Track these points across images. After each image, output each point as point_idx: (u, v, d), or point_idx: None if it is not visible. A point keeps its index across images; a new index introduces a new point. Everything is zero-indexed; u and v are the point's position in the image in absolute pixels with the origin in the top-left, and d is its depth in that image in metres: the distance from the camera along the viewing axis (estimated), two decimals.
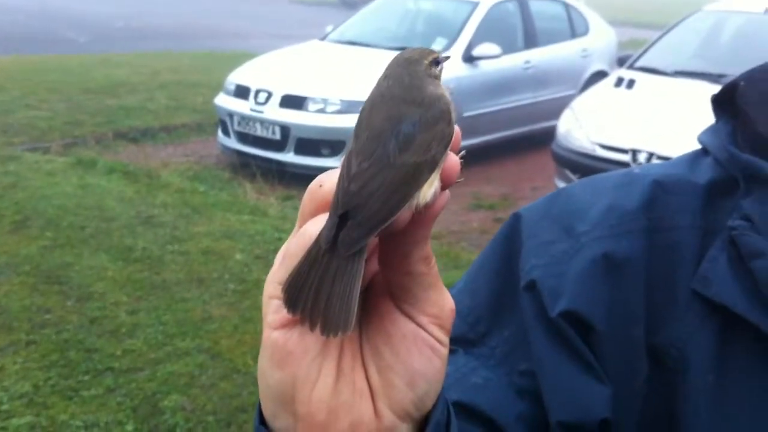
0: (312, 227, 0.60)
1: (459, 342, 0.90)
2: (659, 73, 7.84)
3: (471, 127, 9.03)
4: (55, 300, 5.11)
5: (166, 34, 20.04)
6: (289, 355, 0.61)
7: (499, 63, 9.31)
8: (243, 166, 8.67)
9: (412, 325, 0.63)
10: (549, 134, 8.16)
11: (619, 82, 7.87)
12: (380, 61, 8.57)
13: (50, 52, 15.44)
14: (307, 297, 0.58)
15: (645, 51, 8.34)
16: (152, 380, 4.25)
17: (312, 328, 0.58)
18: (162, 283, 5.45)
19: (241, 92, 8.70)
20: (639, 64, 8.13)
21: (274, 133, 8.32)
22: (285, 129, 8.25)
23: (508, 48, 9.53)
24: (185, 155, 9.37)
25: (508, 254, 0.91)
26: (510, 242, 0.92)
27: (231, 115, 8.69)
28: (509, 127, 9.60)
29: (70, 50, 16.31)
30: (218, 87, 9.50)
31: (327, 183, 0.61)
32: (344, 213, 0.58)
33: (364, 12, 10.72)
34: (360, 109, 0.63)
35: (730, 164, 0.87)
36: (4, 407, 3.96)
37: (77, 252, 5.88)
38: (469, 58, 9.04)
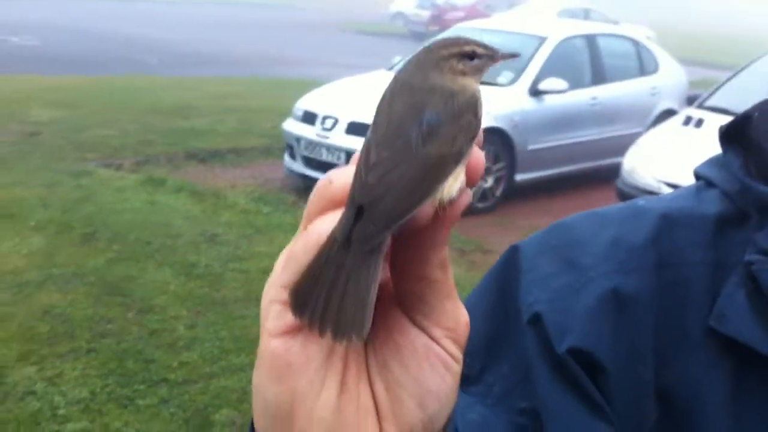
0: (320, 225, 0.55)
1: None
2: (728, 113, 7.70)
3: (535, 160, 9.04)
4: (117, 311, 5.24)
5: (234, 61, 20.50)
6: (288, 367, 0.56)
7: (566, 98, 9.28)
8: (307, 189, 8.74)
9: (425, 338, 0.59)
10: (614, 171, 8.09)
11: (688, 120, 7.77)
12: None
13: (122, 74, 15.90)
14: (318, 300, 0.53)
15: (715, 91, 8.23)
16: (205, 393, 4.32)
17: (321, 333, 0.53)
18: (221, 299, 5.54)
19: (309, 118, 8.83)
20: (708, 103, 8.02)
21: (339, 158, 8.42)
22: (350, 155, 8.28)
23: (575, 83, 9.49)
24: (252, 177, 9.52)
25: (506, 287, 0.87)
26: (507, 275, 0.87)
27: (298, 139, 8.83)
28: (574, 162, 9.54)
29: (142, 72, 16.76)
30: (285, 112, 9.66)
31: (337, 179, 0.56)
32: (361, 207, 0.53)
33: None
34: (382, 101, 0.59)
35: (742, 197, 0.84)
36: (61, 412, 4.07)
37: (142, 266, 6.02)
38: (535, 92, 9.04)
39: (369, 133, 0.57)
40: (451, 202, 0.55)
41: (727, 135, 0.89)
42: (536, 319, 0.81)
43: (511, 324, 0.84)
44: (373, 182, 0.54)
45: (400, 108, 0.57)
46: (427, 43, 0.62)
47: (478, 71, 0.60)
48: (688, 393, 0.78)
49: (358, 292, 0.53)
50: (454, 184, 0.55)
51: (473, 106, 0.58)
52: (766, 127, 0.86)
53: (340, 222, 0.53)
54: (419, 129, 0.55)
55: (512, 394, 0.82)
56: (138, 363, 4.59)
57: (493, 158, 8.63)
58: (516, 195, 8.95)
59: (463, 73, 0.59)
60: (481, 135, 0.58)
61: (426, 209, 0.54)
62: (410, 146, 0.55)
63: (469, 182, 0.57)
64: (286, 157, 9.17)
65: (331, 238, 0.53)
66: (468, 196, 0.56)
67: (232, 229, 7.05)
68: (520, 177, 8.98)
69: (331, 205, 0.55)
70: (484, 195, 8.58)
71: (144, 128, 11.06)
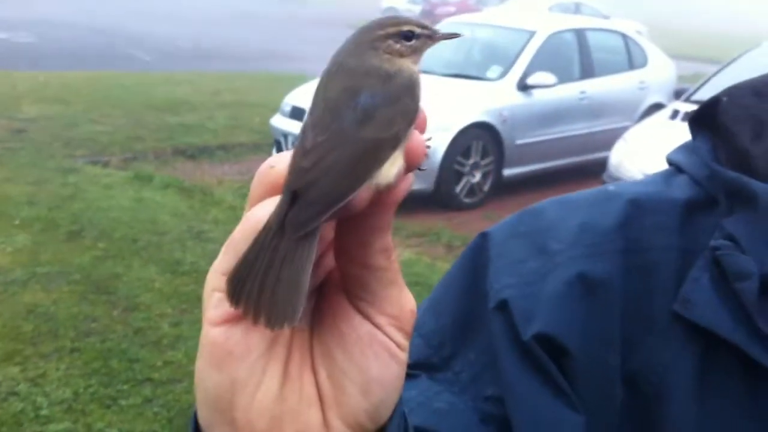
0: (259, 211, 0.55)
1: (423, 366, 0.85)
2: None
3: (523, 155, 9.03)
4: (102, 309, 5.23)
5: (230, 56, 20.46)
6: (228, 356, 0.55)
7: (554, 92, 9.28)
8: None
9: (369, 326, 0.58)
10: (602, 165, 8.10)
11: (675, 114, 7.78)
12: (435, 87, 8.66)
13: (116, 70, 15.88)
14: (252, 287, 0.53)
15: (702, 84, 8.24)
16: (189, 392, 4.31)
17: (255, 321, 0.53)
18: None
19: (297, 113, 8.82)
20: (696, 97, 8.02)
21: None
22: None
23: (564, 78, 9.49)
24: (240, 173, 9.51)
25: (475, 274, 0.86)
26: (477, 262, 0.87)
27: (285, 135, 8.82)
28: (562, 157, 9.55)
29: (136, 68, 16.75)
30: (276, 108, 9.65)
31: (279, 164, 0.55)
32: (296, 191, 0.53)
33: None
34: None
35: (710, 182, 0.84)
36: (44, 412, 4.05)
37: (127, 263, 6.01)
38: (523, 87, 9.04)
39: (305, 117, 0.57)
40: (389, 187, 0.54)
41: (696, 120, 0.89)
42: (503, 306, 0.81)
43: (479, 311, 0.84)
44: (308, 166, 0.53)
45: (336, 91, 0.56)
46: (364, 23, 0.60)
47: (416, 52, 0.59)
48: (655, 378, 0.78)
49: (291, 277, 0.52)
50: (391, 170, 0.54)
51: (411, 88, 0.57)
52: (734, 112, 0.86)
53: (277, 207, 0.53)
54: (354, 112, 0.55)
55: (479, 381, 0.82)
56: (122, 362, 4.58)
57: (481, 153, 8.63)
58: (504, 190, 8.94)
59: (401, 54, 0.58)
60: (422, 119, 0.57)
61: (362, 194, 0.53)
62: (345, 130, 0.54)
63: (409, 167, 0.56)
64: (274, 153, 9.15)
65: (268, 224, 0.53)
66: (409, 182, 0.56)
67: (219, 226, 7.04)
68: (508, 172, 8.98)
69: (272, 191, 0.55)
70: (471, 190, 8.59)
71: (134, 124, 11.03)
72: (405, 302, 0.59)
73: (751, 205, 0.79)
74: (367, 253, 0.56)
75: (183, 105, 12.51)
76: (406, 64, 0.58)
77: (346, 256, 0.57)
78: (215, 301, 0.56)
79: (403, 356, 0.59)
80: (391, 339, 0.59)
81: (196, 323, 5.08)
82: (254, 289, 0.53)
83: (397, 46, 0.58)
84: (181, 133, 10.72)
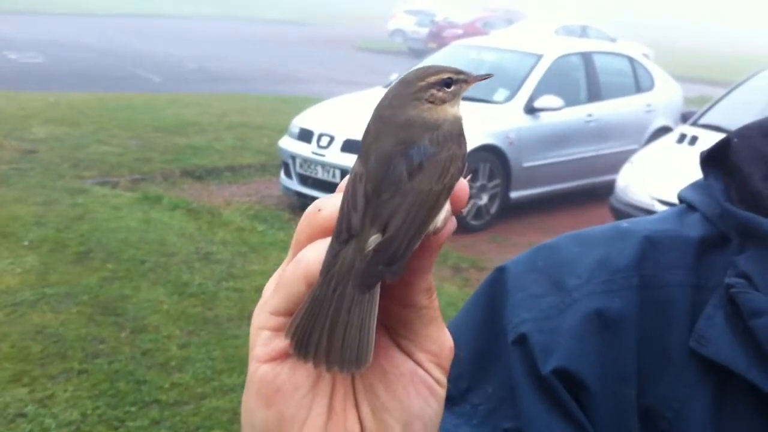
0: (308, 254, 0.56)
1: None
2: (723, 130, 7.72)
3: (530, 178, 9.05)
4: (110, 331, 5.23)
5: (237, 78, 20.54)
6: (277, 392, 0.58)
7: (561, 115, 9.31)
8: (302, 207, 8.76)
9: (410, 363, 0.60)
10: (609, 188, 8.12)
11: (682, 138, 7.80)
12: None
13: (125, 91, 15.97)
14: (321, 337, 0.54)
15: (709, 108, 8.25)
16: (197, 414, 4.32)
17: (329, 369, 0.55)
18: (214, 318, 5.54)
19: (305, 136, 8.86)
20: (703, 121, 8.05)
21: (334, 176, 8.45)
22: (345, 173, 8.33)
23: (571, 101, 9.53)
24: (248, 195, 9.54)
25: (492, 307, 0.87)
26: (494, 295, 0.88)
27: (293, 157, 8.85)
28: (569, 180, 9.58)
29: (144, 89, 16.84)
30: (283, 130, 9.69)
31: (326, 208, 0.58)
32: (350, 239, 0.55)
33: (428, 61, 10.85)
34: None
35: (723, 221, 0.85)
36: None
37: (135, 285, 6.02)
38: (530, 110, 9.07)
39: (357, 168, 0.59)
40: (437, 231, 0.57)
41: (708, 159, 0.90)
42: (522, 340, 0.82)
43: (496, 344, 0.84)
44: (374, 222, 0.56)
45: (387, 145, 0.58)
46: (402, 75, 0.63)
47: (456, 96, 0.62)
48: (671, 413, 0.79)
49: (362, 324, 0.54)
50: (440, 216, 0.57)
51: (457, 136, 0.60)
52: (745, 153, 0.87)
53: (339, 256, 0.55)
54: (409, 165, 0.57)
55: (497, 414, 0.82)
56: (130, 384, 4.58)
57: (488, 176, 8.65)
58: (511, 212, 8.96)
59: (443, 101, 0.61)
60: (465, 163, 0.60)
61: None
62: (403, 183, 0.56)
63: (454, 210, 0.59)
64: (282, 175, 9.19)
65: (327, 272, 0.55)
66: (453, 223, 0.58)
67: (227, 247, 7.06)
68: (515, 194, 9.00)
69: (320, 233, 0.57)
70: (478, 212, 8.60)
71: (143, 145, 11.07)
72: (444, 340, 0.61)
73: (763, 243, 0.80)
74: (410, 293, 0.58)
75: (191, 126, 12.54)
76: (447, 110, 0.60)
77: (390, 296, 0.58)
78: (263, 339, 0.58)
79: (442, 393, 0.62)
80: (431, 376, 0.61)
81: (203, 346, 5.09)
82: (323, 340, 0.54)
83: (440, 93, 0.61)
84: (189, 155, 10.76)
